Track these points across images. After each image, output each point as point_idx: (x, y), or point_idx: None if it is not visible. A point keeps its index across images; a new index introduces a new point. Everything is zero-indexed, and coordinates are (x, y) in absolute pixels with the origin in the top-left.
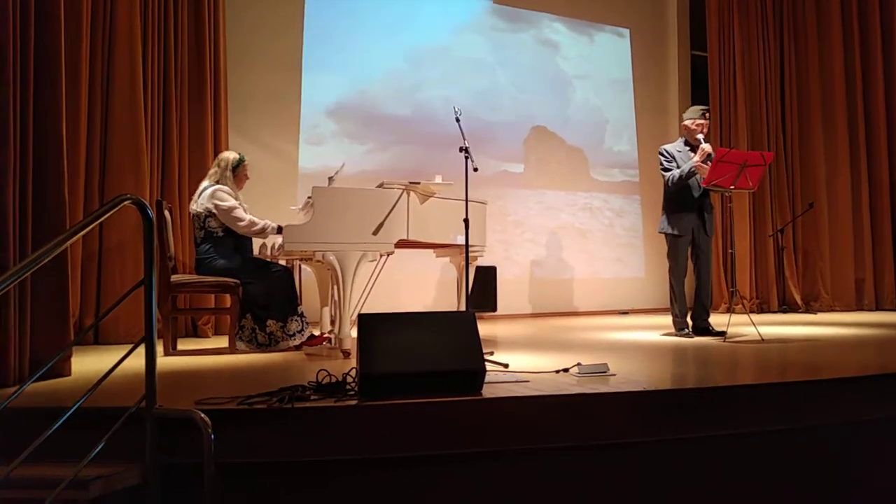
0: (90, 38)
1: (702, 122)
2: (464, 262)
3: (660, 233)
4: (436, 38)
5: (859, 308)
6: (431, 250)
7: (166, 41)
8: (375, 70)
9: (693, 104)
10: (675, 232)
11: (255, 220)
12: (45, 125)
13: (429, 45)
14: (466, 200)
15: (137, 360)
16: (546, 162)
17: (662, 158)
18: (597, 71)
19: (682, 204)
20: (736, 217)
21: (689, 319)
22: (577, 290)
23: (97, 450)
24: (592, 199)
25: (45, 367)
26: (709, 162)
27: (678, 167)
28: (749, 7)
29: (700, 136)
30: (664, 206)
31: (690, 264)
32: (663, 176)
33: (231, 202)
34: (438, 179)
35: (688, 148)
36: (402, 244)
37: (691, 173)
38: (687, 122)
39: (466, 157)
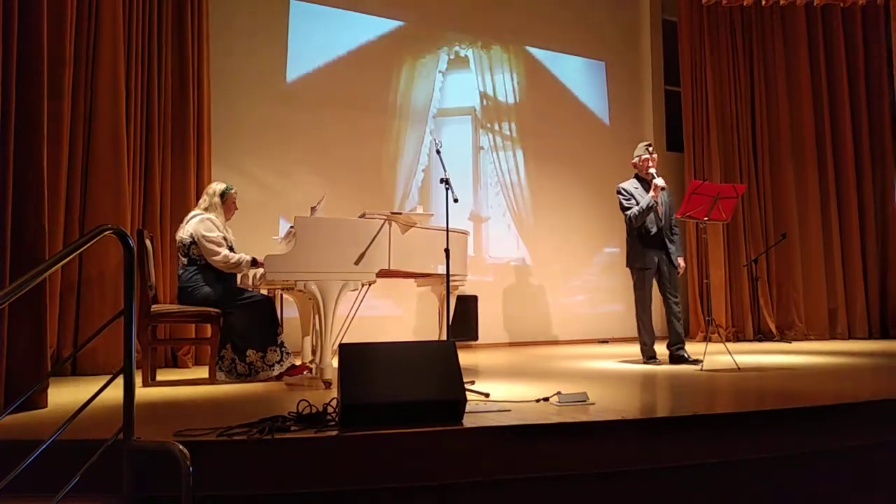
0: (73, 65)
1: (647, 157)
2: (445, 292)
3: (627, 267)
4: (418, 73)
5: (832, 337)
6: (413, 280)
7: (150, 69)
8: (358, 102)
9: (667, 138)
10: (640, 265)
11: (230, 254)
12: (26, 152)
13: (411, 78)
14: (447, 230)
15: (115, 391)
16: (525, 192)
17: (621, 197)
18: (575, 105)
19: (644, 240)
20: (711, 247)
21: (655, 348)
22: (557, 319)
23: (72, 483)
24: (571, 229)
25: (20, 399)
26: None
27: (637, 203)
28: (720, 43)
29: (652, 171)
30: (628, 242)
31: (658, 296)
32: (625, 214)
33: (215, 234)
34: (419, 210)
35: (641, 184)
36: (384, 274)
37: (650, 208)
38: (635, 161)
39: (447, 188)
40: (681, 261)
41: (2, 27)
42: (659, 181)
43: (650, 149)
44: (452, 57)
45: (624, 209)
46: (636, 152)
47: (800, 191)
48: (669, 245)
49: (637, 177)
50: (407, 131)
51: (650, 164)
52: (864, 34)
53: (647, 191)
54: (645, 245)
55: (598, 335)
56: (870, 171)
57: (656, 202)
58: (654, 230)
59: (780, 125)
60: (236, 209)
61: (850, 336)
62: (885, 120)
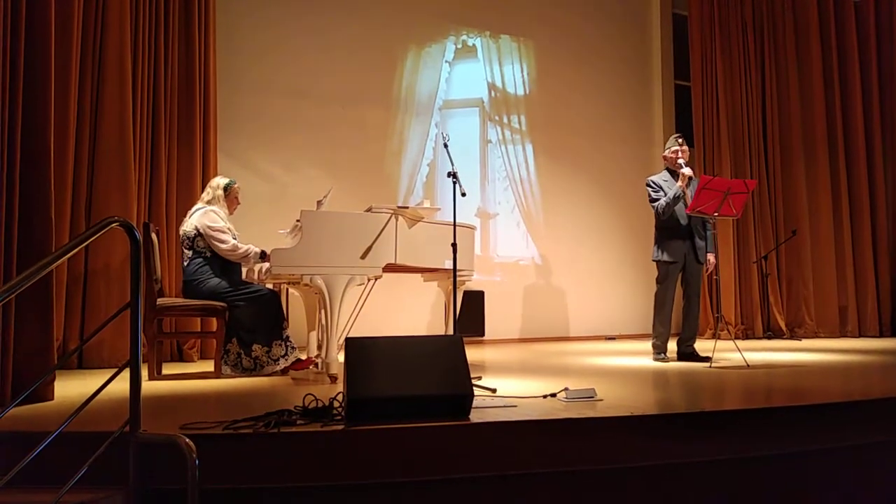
0: (80, 58)
1: (676, 148)
2: (451, 287)
3: (653, 261)
4: (423, 62)
5: (843, 335)
6: (419, 275)
7: (156, 63)
8: (362, 93)
9: (679, 133)
10: (667, 259)
11: (239, 244)
12: (33, 145)
13: (416, 68)
14: (455, 225)
15: (122, 385)
16: (535, 187)
17: (650, 189)
18: (585, 99)
19: (672, 232)
20: (720, 244)
21: (670, 345)
22: (564, 315)
23: (79, 475)
24: (580, 225)
25: (27, 391)
26: (691, 184)
27: (665, 196)
28: (731, 37)
29: (681, 162)
30: (656, 235)
31: (679, 291)
32: (652, 207)
33: (220, 224)
34: (426, 204)
35: (672, 177)
36: (390, 268)
37: (677, 198)
38: (666, 153)
39: (454, 182)
40: (710, 257)
41: (10, 21)
42: (687, 170)
43: (680, 140)
44: (460, 46)
45: (652, 201)
46: (667, 145)
47: (811, 187)
48: (698, 240)
49: (668, 170)
50: (411, 124)
51: (680, 156)
52: (877, 28)
53: (678, 182)
54: (672, 238)
55: (605, 332)
56: (881, 167)
57: (684, 192)
58: (683, 222)
59: (791, 120)
60: (238, 204)
61: (861, 334)
62: None
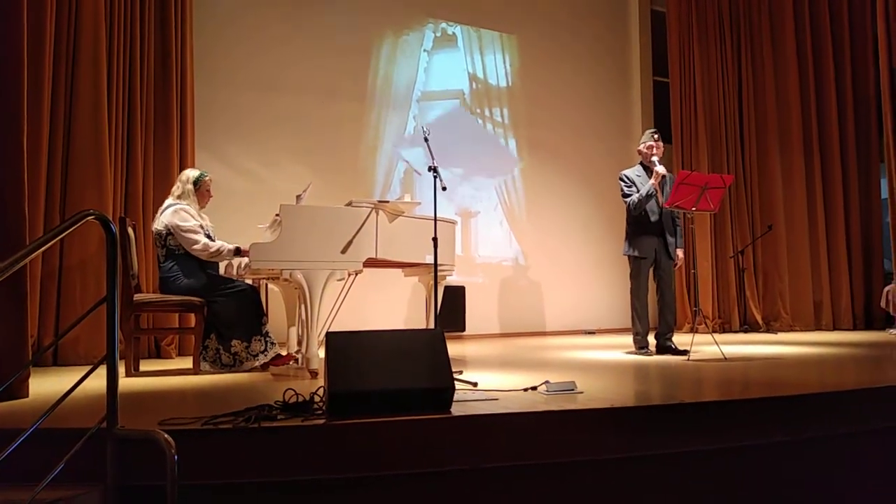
0: (53, 49)
1: (651, 143)
2: (433, 282)
3: (624, 255)
4: (400, 51)
5: (817, 328)
6: (400, 269)
7: (132, 55)
8: (336, 85)
9: (654, 128)
10: (637, 254)
11: (209, 243)
12: (6, 137)
13: (392, 57)
14: (435, 219)
15: (98, 381)
16: (518, 183)
17: (622, 184)
18: (565, 94)
19: (643, 228)
20: (698, 238)
21: (650, 338)
22: (545, 310)
23: (56, 472)
24: (561, 220)
25: (0, 389)
26: (665, 182)
27: (638, 191)
28: (708, 34)
29: (655, 159)
30: (627, 230)
31: (652, 285)
32: (625, 201)
33: (190, 223)
34: (407, 198)
35: (645, 171)
36: (371, 263)
37: (649, 195)
38: (640, 147)
39: (435, 177)
40: (679, 252)
41: None
42: (660, 168)
43: (656, 136)
44: (439, 34)
45: (624, 196)
46: (642, 139)
47: (786, 182)
48: (668, 236)
49: (642, 164)
50: (388, 116)
51: (654, 151)
52: (851, 25)
53: (651, 178)
54: (643, 233)
55: (585, 326)
56: (855, 162)
57: (657, 190)
58: (654, 218)
59: (768, 116)
60: (211, 196)
61: (835, 327)
62: (871, 112)
